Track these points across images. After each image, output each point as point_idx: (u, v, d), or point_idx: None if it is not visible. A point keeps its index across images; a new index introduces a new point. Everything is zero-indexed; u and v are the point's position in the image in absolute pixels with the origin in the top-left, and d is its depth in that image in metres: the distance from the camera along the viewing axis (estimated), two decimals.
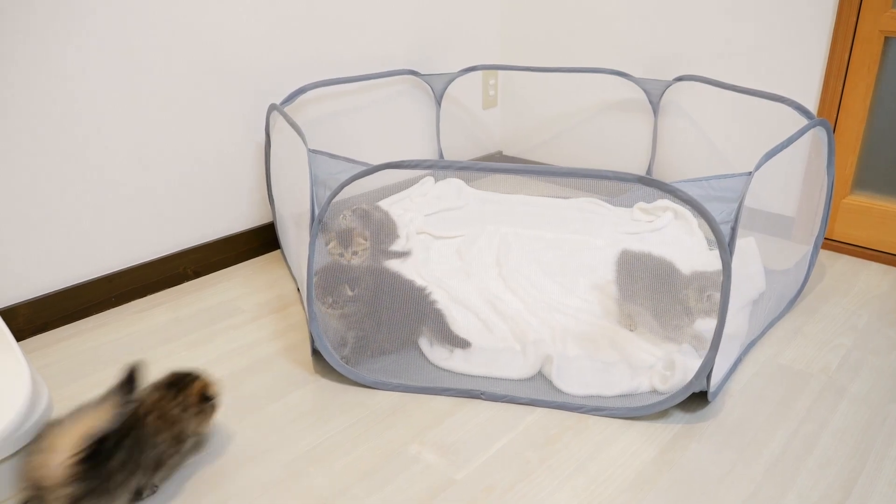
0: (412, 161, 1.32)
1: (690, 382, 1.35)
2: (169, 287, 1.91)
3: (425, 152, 2.53)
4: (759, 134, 2.16)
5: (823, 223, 1.80)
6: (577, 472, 1.27)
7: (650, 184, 1.24)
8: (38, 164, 1.62)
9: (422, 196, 2.40)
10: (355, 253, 1.83)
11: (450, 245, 2.11)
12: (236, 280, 1.97)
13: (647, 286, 1.53)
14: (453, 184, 2.48)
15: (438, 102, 2.46)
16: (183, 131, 1.86)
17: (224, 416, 1.41)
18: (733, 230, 1.25)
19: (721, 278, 1.27)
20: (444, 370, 1.53)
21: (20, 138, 1.58)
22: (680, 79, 2.21)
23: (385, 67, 2.28)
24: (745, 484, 1.24)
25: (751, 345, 1.64)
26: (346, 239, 1.82)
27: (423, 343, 1.60)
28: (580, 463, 1.29)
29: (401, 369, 1.53)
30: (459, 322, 1.67)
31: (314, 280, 1.45)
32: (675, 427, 1.38)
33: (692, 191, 1.25)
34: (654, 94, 2.29)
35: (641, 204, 2.30)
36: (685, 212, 2.21)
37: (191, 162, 1.90)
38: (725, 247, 1.25)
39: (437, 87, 2.43)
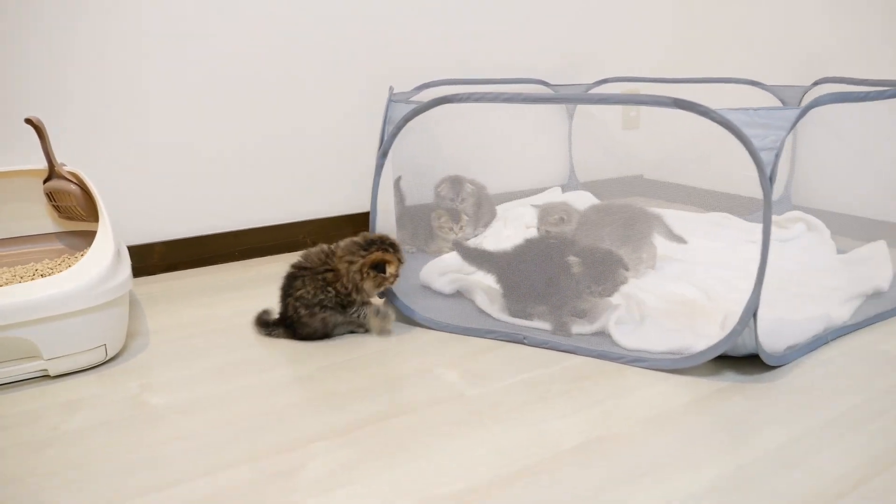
0: (467, 94, 1.40)
1: (734, 329, 1.24)
2: (287, 251, 2.12)
3: (556, 166, 2.57)
4: None
5: None
6: (596, 403, 1.21)
7: (685, 106, 1.21)
8: (189, 127, 1.92)
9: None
10: (462, 228, 1.94)
11: None
12: None
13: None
14: (582, 196, 2.48)
15: (570, 116, 2.51)
16: (317, 118, 2.10)
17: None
18: (777, 157, 1.16)
19: None
20: (501, 321, 1.53)
21: (170, 102, 1.90)
22: (819, 83, 2.07)
23: (515, 75, 2.39)
24: (781, 435, 1.10)
25: (845, 330, 1.46)
26: (455, 215, 1.94)
27: (479, 296, 1.61)
28: (603, 398, 1.23)
29: (456, 314, 1.56)
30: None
31: None
32: (721, 383, 1.26)
33: (733, 116, 1.19)
34: (791, 102, 2.16)
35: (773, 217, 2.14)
36: (817, 222, 2.04)
37: (320, 145, 2.13)
38: (765, 174, 1.16)
39: None
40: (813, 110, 1.62)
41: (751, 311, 1.21)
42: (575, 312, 1.49)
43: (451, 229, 1.94)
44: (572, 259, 1.42)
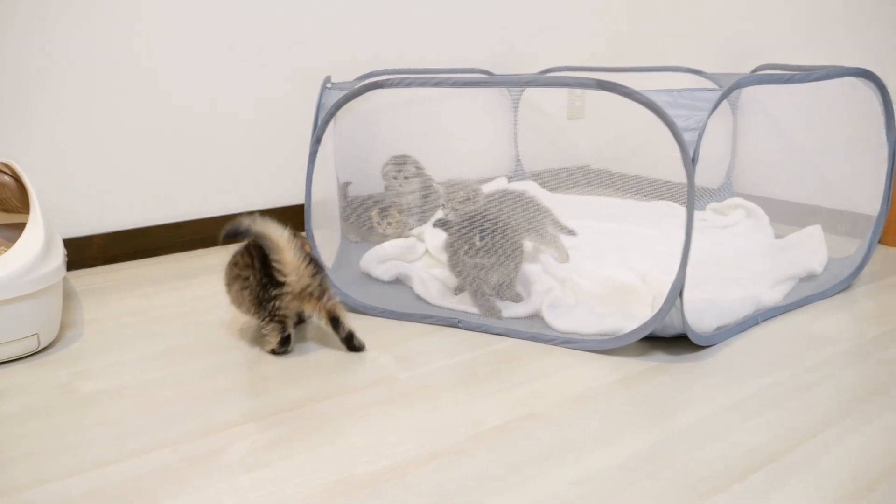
0: (398, 78, 1.40)
1: (661, 309, 1.26)
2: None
3: (501, 158, 2.58)
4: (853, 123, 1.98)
5: (886, 198, 1.62)
6: (524, 383, 1.22)
7: (608, 88, 1.22)
8: (127, 117, 1.90)
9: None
10: (389, 224, 1.93)
11: None
12: None
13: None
14: (529, 185, 2.50)
15: (515, 106, 2.53)
16: (260, 109, 2.09)
17: (223, 320, 1.54)
18: (699, 137, 1.19)
19: None
20: (440, 307, 1.54)
21: (107, 93, 1.88)
22: (759, 69, 2.11)
23: (459, 66, 2.40)
24: (701, 411, 1.12)
25: (776, 311, 1.49)
26: (384, 211, 1.93)
27: (416, 283, 1.62)
28: (529, 378, 1.24)
29: (393, 301, 1.57)
30: None
31: None
32: (649, 363, 1.28)
33: (657, 97, 1.21)
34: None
35: (713, 204, 2.19)
36: (756, 209, 2.08)
37: (264, 134, 2.11)
38: (688, 154, 1.18)
39: (513, 91, 2.50)
40: (742, 92, 1.64)
41: (677, 291, 1.23)
42: (492, 291, 1.51)
43: (379, 224, 1.93)
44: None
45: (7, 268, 1.29)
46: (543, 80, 1.30)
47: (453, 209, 1.71)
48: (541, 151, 2.65)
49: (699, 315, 1.33)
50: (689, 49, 2.42)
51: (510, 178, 2.53)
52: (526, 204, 1.72)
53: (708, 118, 1.19)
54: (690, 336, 1.29)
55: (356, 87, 1.45)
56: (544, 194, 2.45)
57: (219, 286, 1.73)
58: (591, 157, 2.79)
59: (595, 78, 1.23)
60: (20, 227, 1.74)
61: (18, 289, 1.29)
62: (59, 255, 1.43)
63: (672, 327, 1.30)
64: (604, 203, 2.36)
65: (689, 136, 1.19)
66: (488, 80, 1.38)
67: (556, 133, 2.71)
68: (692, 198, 1.20)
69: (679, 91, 1.23)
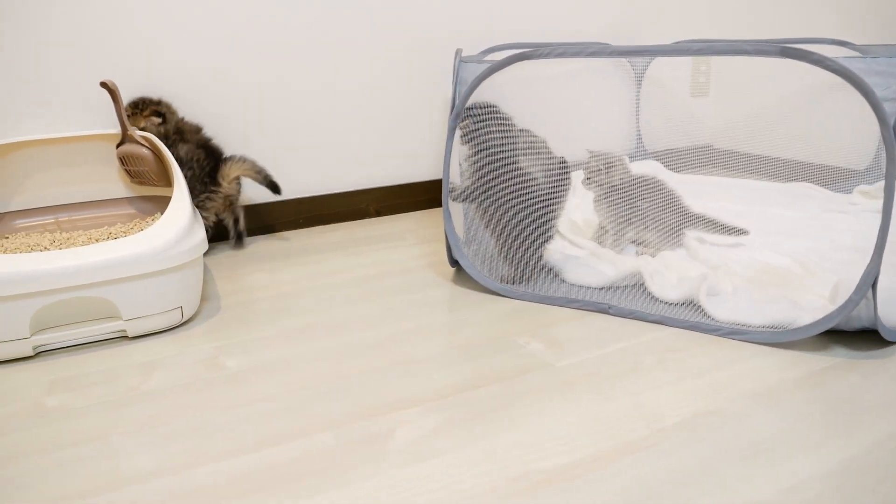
0: (548, 47, 1.32)
1: (849, 299, 1.14)
2: (351, 220, 2.07)
3: (622, 135, 2.47)
4: None
5: None
6: (695, 376, 1.13)
7: (794, 55, 1.11)
8: (244, 91, 1.89)
9: None
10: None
11: None
12: (411, 220, 2.08)
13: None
14: (652, 165, 2.38)
15: (639, 81, 2.41)
16: (378, 85, 2.04)
17: (355, 296, 1.50)
18: None
19: None
20: (584, 287, 1.46)
21: (221, 66, 1.86)
22: None
23: (577, 39, 2.30)
24: None
25: None
26: None
27: (558, 266, 1.54)
28: (701, 371, 1.15)
29: (535, 284, 1.50)
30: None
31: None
32: (832, 359, 1.17)
33: (852, 64, 1.09)
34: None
35: (862, 187, 2.02)
36: None
37: (383, 110, 2.07)
38: (889, 126, 1.06)
39: (637, 65, 2.38)
40: None
41: (869, 280, 1.11)
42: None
43: None
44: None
45: (157, 240, 1.28)
46: (718, 47, 1.19)
47: (588, 178, 1.67)
48: (663, 129, 2.52)
49: (886, 307, 1.21)
50: (826, 18, 2.25)
51: (632, 158, 2.41)
52: (669, 202, 1.63)
53: None
54: (882, 331, 1.17)
55: (500, 59, 1.37)
56: (668, 175, 2.34)
57: (345, 263, 1.71)
58: (715, 135, 2.64)
59: (778, 44, 1.12)
60: (155, 199, 1.75)
61: (168, 261, 1.28)
62: (202, 228, 1.42)
63: (858, 320, 1.18)
64: (737, 185, 2.23)
65: (889, 107, 1.07)
66: (651, 49, 1.27)
67: (680, 110, 2.57)
68: (893, 174, 1.07)
69: (872, 57, 1.10)
